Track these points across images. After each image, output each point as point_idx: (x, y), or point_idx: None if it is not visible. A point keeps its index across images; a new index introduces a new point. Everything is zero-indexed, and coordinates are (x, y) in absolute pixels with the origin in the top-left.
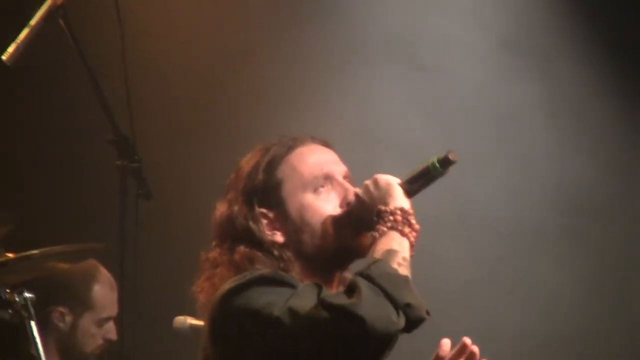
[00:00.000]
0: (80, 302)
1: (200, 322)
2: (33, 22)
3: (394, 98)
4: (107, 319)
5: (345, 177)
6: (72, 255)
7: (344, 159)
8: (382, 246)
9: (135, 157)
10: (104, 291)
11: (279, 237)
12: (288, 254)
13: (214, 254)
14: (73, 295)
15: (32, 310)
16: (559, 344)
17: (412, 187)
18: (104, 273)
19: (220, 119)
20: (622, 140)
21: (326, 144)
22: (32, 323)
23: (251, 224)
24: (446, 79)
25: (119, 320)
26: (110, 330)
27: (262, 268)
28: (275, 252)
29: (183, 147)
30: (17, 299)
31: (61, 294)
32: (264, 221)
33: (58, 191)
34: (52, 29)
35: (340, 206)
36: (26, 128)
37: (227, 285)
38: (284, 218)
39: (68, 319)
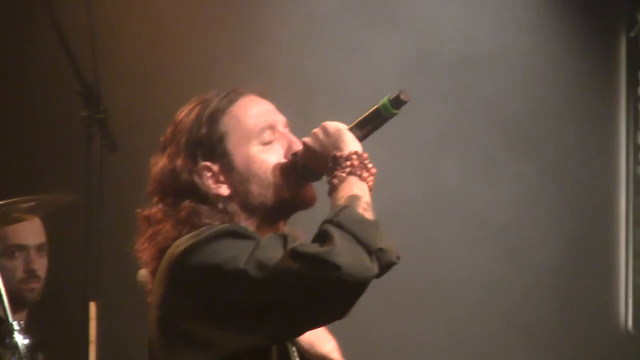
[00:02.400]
0: None
1: None
2: None
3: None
4: (18, 248)
5: (285, 127)
6: (38, 206)
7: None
8: (344, 192)
9: (100, 107)
10: None
11: (224, 190)
12: (233, 207)
13: (154, 210)
14: None
15: None
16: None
17: (362, 131)
18: None
19: (186, 70)
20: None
21: (262, 94)
22: None
23: (195, 177)
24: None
25: (85, 272)
26: (29, 261)
27: (211, 222)
28: (220, 205)
29: (149, 98)
30: None
31: None
32: (208, 174)
33: (23, 142)
34: None
35: (285, 157)
36: None
37: (185, 242)
38: (229, 170)
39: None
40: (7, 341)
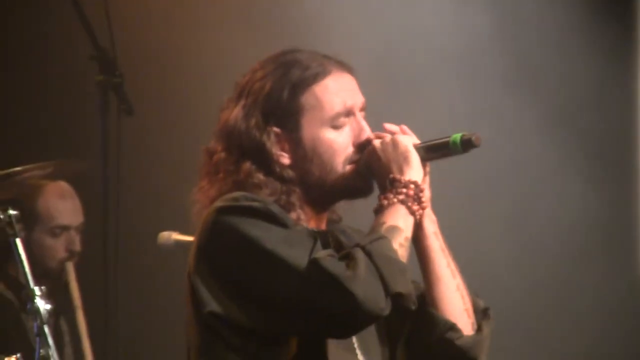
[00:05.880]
0: (28, 215)
1: (185, 237)
2: None
3: None
4: (62, 228)
5: (361, 110)
6: (55, 173)
7: None
8: (388, 219)
9: (116, 72)
10: (51, 200)
11: (285, 159)
12: (292, 176)
13: (218, 156)
14: (21, 209)
15: (17, 228)
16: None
17: (427, 155)
18: (54, 184)
19: (203, 34)
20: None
21: (350, 69)
22: (18, 240)
23: (265, 141)
24: None
25: (102, 235)
26: (71, 241)
27: (263, 190)
28: (280, 171)
29: (165, 62)
30: (1, 216)
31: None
32: (275, 140)
33: (39, 109)
34: None
35: (353, 144)
36: (4, 45)
37: (220, 203)
38: (296, 144)
39: (22, 234)
40: (28, 307)
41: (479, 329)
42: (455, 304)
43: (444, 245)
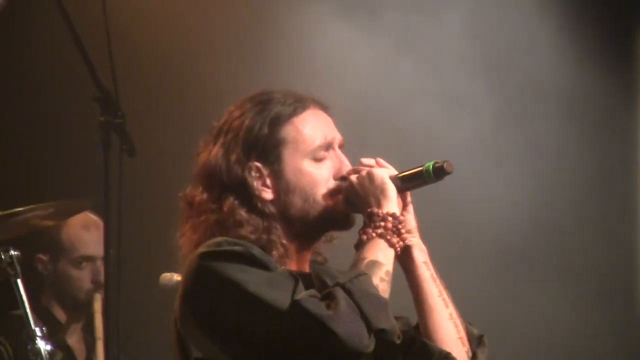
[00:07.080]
0: (54, 246)
1: None
2: None
3: None
4: (86, 259)
5: (340, 146)
6: (57, 212)
7: None
8: (368, 254)
9: (118, 112)
10: (74, 231)
11: (267, 195)
12: (273, 211)
13: (198, 198)
14: (47, 240)
15: (18, 268)
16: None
17: (403, 185)
18: (79, 216)
19: (204, 74)
20: None
21: (325, 108)
22: (19, 281)
23: (247, 176)
24: None
25: (104, 276)
26: (97, 272)
27: (246, 226)
28: (262, 207)
29: (166, 102)
30: (2, 256)
31: (40, 242)
32: (257, 175)
33: (41, 149)
34: None
35: (334, 177)
36: (7, 85)
37: (203, 249)
38: (277, 178)
39: (49, 266)
40: (29, 347)
41: (474, 357)
42: (449, 332)
43: (435, 275)
